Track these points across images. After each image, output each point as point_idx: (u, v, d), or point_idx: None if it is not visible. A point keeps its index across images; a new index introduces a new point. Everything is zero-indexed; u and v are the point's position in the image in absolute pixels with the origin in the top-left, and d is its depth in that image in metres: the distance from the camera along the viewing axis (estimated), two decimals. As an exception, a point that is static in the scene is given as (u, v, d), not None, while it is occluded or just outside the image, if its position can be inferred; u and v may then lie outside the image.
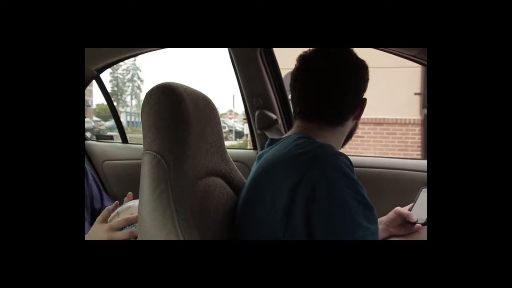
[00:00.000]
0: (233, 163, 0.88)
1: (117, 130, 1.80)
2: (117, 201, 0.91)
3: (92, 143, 1.78)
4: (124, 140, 1.77)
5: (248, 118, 1.43)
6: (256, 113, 1.36)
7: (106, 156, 1.73)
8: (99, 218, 0.88)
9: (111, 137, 1.86)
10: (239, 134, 11.52)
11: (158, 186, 0.62)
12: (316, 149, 0.65)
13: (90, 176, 1.22)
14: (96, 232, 0.86)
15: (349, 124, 0.78)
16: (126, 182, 1.65)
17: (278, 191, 0.62)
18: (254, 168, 0.77)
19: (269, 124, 1.34)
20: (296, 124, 0.77)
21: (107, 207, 0.90)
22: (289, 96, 1.42)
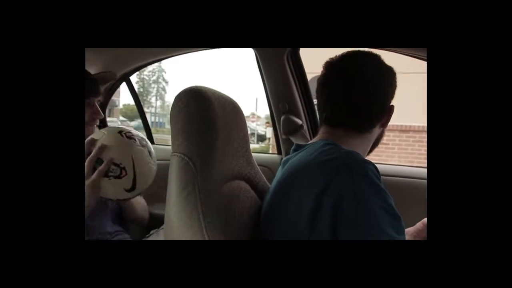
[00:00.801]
0: (258, 167, 0.89)
1: (142, 130, 1.85)
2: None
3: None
4: (151, 141, 1.81)
5: (273, 123, 1.43)
6: (282, 118, 1.36)
7: (133, 156, 1.77)
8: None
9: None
10: (261, 138, 11.54)
11: (185, 188, 0.63)
12: (343, 156, 0.64)
13: None
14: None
15: (376, 131, 0.77)
16: (152, 181, 1.68)
17: (304, 197, 0.62)
18: (279, 173, 0.77)
19: (295, 129, 1.33)
20: (322, 130, 0.77)
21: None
22: (315, 102, 1.42)
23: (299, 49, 1.33)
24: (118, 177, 0.85)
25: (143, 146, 0.90)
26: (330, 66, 0.76)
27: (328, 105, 0.75)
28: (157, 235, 1.26)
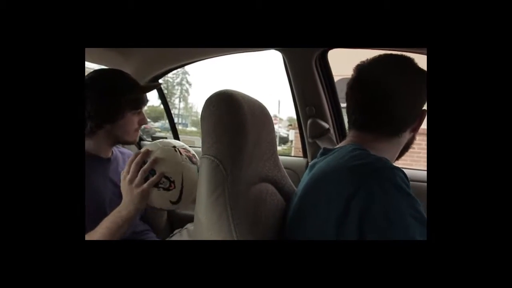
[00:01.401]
0: (284, 170, 0.90)
1: (164, 131, 1.89)
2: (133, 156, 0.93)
3: (147, 144, 1.88)
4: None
5: (300, 126, 1.42)
6: (309, 121, 1.35)
7: (160, 156, 1.81)
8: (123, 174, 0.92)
9: (165, 139, 1.95)
10: (283, 140, 11.50)
11: (215, 190, 0.64)
12: (372, 162, 0.64)
13: None
14: (124, 190, 0.91)
15: (406, 136, 0.76)
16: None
17: (333, 201, 0.62)
18: (306, 177, 0.77)
19: (321, 133, 1.33)
20: (351, 134, 0.77)
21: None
22: (342, 105, 1.40)
23: (328, 52, 1.33)
24: (167, 189, 0.90)
25: (194, 163, 0.94)
26: (361, 69, 0.75)
27: (357, 109, 0.75)
28: (180, 235, 1.28)
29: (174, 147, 0.94)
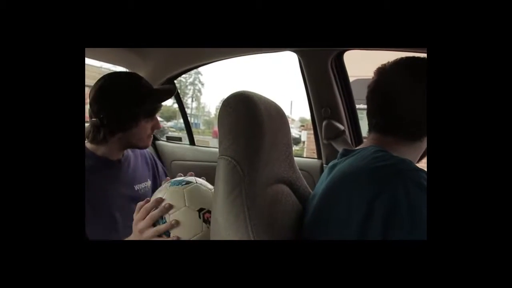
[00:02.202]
0: (299, 171, 0.90)
1: (177, 130, 1.90)
2: (147, 198, 0.85)
3: (162, 143, 1.90)
4: (192, 142, 1.86)
5: (314, 128, 1.42)
6: (324, 123, 1.35)
7: (175, 156, 1.83)
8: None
9: (179, 139, 1.97)
10: (295, 141, 11.45)
11: (232, 191, 0.64)
12: (397, 164, 0.63)
13: (161, 169, 1.25)
14: (134, 231, 0.83)
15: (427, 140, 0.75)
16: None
17: (356, 202, 0.62)
18: (325, 178, 0.76)
19: (336, 135, 1.33)
20: (372, 136, 0.76)
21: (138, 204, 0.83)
22: (357, 106, 1.40)
23: (344, 53, 1.32)
24: None
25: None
26: (382, 72, 0.75)
27: (378, 112, 0.74)
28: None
29: (200, 210, 0.82)
